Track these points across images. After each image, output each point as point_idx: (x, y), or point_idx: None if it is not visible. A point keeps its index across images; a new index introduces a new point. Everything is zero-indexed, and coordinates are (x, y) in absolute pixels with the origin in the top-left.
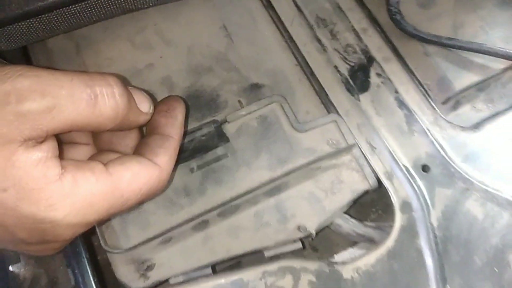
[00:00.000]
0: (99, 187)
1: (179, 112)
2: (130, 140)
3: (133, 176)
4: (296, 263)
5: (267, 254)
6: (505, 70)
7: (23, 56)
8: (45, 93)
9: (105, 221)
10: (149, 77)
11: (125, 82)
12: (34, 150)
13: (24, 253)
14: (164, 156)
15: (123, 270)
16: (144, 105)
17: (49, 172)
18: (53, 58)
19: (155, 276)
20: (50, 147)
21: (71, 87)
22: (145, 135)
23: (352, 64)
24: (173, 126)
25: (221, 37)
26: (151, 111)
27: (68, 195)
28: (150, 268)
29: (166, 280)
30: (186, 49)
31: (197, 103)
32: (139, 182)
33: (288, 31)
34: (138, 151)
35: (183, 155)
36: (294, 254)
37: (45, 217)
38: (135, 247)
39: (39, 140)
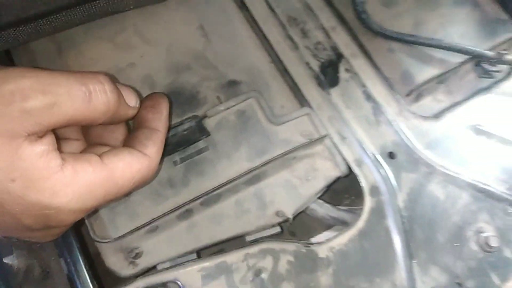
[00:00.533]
0: (96, 176)
1: (164, 107)
2: (118, 134)
3: (126, 166)
4: (275, 245)
5: (248, 239)
6: (462, 63)
7: (5, 58)
8: (46, 92)
9: (99, 207)
10: (131, 75)
11: (113, 80)
12: (37, 143)
13: (23, 242)
14: (152, 148)
15: (112, 259)
16: (131, 100)
17: (51, 163)
18: (36, 59)
19: (143, 263)
20: (50, 141)
21: (68, 85)
22: (132, 129)
23: (323, 60)
24: (159, 120)
25: (199, 37)
26: (137, 105)
27: (69, 184)
28: (138, 255)
29: (154, 267)
30: (166, 48)
31: (178, 99)
32: (132, 171)
33: (262, 30)
34: (129, 143)
35: (167, 149)
36: (273, 238)
37: (50, 204)
38: (123, 236)
39: (40, 135)
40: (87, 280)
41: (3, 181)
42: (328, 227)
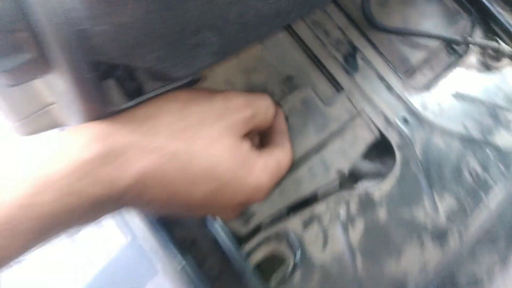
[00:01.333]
0: (274, 164)
1: (281, 112)
2: (257, 137)
3: (283, 157)
4: (345, 194)
5: (319, 193)
6: (439, 46)
7: None
8: (251, 106)
9: None
10: (215, 80)
11: None
12: (246, 141)
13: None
14: (288, 144)
15: (232, 222)
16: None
17: (255, 154)
18: None
19: (252, 222)
20: (249, 139)
21: (259, 102)
22: (263, 132)
23: (344, 53)
24: (283, 122)
25: (256, 44)
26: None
27: (265, 169)
28: (249, 216)
29: (259, 226)
30: (234, 56)
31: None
32: (285, 161)
33: (297, 34)
34: (272, 142)
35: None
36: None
37: (259, 184)
38: None
39: (245, 136)
40: (231, 239)
41: (234, 169)
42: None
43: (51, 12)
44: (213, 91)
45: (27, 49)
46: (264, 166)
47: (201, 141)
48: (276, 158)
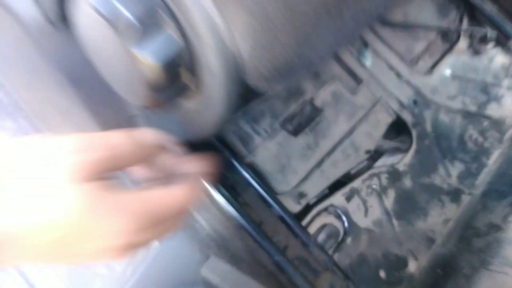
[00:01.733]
0: (133, 205)
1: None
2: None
3: (160, 197)
4: (375, 170)
5: (352, 172)
6: (436, 36)
7: None
8: (91, 147)
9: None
10: None
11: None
12: (93, 184)
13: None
14: (179, 187)
15: (286, 201)
16: (148, 141)
17: (106, 197)
18: None
19: (303, 201)
20: (110, 180)
21: (114, 143)
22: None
23: (357, 48)
24: (194, 161)
25: None
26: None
27: (119, 211)
28: (301, 197)
29: (308, 203)
30: None
31: (290, 92)
32: (164, 201)
33: None
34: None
35: (301, 126)
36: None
37: (112, 227)
38: (293, 187)
39: (103, 177)
40: (293, 217)
41: (87, 211)
42: (379, 156)
43: (221, 50)
44: (41, 138)
45: (186, 82)
46: (117, 207)
47: (26, 191)
48: (143, 197)
